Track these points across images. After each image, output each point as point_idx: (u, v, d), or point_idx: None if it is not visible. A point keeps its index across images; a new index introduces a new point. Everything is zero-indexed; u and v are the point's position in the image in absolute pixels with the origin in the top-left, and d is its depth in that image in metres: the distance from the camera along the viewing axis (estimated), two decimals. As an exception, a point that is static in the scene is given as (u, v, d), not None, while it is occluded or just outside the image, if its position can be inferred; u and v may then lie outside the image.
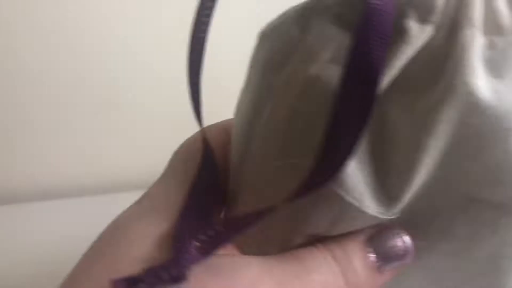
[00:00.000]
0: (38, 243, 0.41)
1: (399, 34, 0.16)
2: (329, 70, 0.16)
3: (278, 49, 0.18)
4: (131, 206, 0.21)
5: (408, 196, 0.17)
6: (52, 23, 0.49)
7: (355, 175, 0.16)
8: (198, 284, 0.16)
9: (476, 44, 0.16)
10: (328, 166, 0.16)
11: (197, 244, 0.17)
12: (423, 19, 0.16)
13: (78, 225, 0.45)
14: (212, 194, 0.21)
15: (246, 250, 0.19)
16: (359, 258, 0.18)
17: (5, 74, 0.49)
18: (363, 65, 0.15)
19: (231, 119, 0.23)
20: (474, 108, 0.15)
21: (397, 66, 0.16)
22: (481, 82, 0.15)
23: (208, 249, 0.16)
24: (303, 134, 0.17)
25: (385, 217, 0.17)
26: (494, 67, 0.15)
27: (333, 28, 0.17)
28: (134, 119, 0.54)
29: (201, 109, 0.21)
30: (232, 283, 0.16)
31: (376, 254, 0.18)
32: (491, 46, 0.16)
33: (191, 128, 0.23)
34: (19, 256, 0.39)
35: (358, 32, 0.15)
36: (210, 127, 0.24)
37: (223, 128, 0.24)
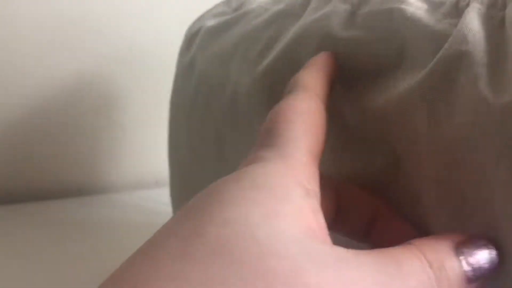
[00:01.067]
0: (38, 242, 0.41)
1: None
2: None
3: None
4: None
5: None
6: (53, 21, 0.50)
7: None
8: (298, 268, 0.15)
9: None
10: None
11: None
12: None
13: (77, 225, 0.45)
14: None
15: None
16: (452, 266, 0.17)
17: (5, 73, 0.49)
18: None
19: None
20: None
21: None
22: None
23: None
24: None
25: None
26: None
27: None
28: (135, 119, 0.54)
29: None
30: (331, 278, 0.15)
31: (466, 263, 0.17)
32: None
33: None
34: (19, 256, 0.39)
35: None
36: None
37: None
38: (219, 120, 0.30)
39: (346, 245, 0.17)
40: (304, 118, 0.20)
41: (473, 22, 0.19)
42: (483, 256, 0.18)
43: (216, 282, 0.14)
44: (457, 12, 0.20)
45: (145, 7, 0.53)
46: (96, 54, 0.52)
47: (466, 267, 0.17)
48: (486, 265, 0.18)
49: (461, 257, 0.17)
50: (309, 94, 0.21)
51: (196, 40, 0.35)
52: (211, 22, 0.34)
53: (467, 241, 0.18)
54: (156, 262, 0.15)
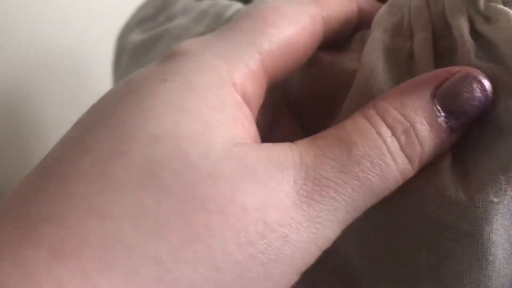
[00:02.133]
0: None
1: None
2: None
3: None
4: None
5: None
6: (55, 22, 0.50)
7: None
8: (233, 190, 0.13)
9: None
10: None
11: None
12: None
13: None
14: None
15: None
16: (423, 122, 0.14)
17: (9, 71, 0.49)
18: None
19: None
20: None
21: None
22: None
23: None
24: None
25: None
26: None
27: None
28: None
29: None
30: (269, 196, 0.13)
31: (447, 111, 0.15)
32: None
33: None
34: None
35: None
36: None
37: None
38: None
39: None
40: (286, 25, 0.16)
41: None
42: (467, 96, 0.15)
43: (148, 216, 0.12)
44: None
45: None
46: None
47: (444, 117, 0.15)
48: (473, 105, 0.15)
49: (438, 106, 0.15)
50: (314, 8, 0.17)
51: (125, 54, 0.35)
52: (136, 37, 0.33)
53: (448, 79, 0.15)
54: (69, 188, 0.12)
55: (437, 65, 0.17)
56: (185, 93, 0.14)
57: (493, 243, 0.15)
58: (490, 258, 0.15)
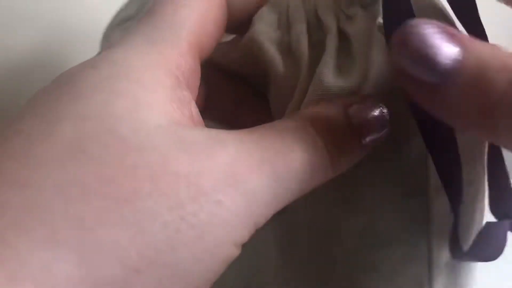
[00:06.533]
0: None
1: None
2: None
3: None
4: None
5: None
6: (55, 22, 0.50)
7: None
8: (166, 159, 0.13)
9: None
10: None
11: None
12: None
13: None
14: None
15: None
16: (342, 129, 0.17)
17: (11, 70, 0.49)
18: None
19: None
20: None
21: None
22: None
23: None
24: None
25: None
26: None
27: None
28: None
29: None
30: (205, 164, 0.13)
31: (359, 125, 0.17)
32: None
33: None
34: None
35: None
36: None
37: None
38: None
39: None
40: (196, 3, 0.17)
41: None
42: (373, 115, 0.17)
43: (73, 184, 0.12)
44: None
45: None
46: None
47: (358, 128, 0.17)
48: (377, 124, 0.17)
49: (352, 118, 0.17)
50: None
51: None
52: (116, 35, 0.34)
53: (359, 101, 0.17)
54: None
55: (310, 56, 0.19)
56: (115, 77, 0.14)
57: None
58: None
